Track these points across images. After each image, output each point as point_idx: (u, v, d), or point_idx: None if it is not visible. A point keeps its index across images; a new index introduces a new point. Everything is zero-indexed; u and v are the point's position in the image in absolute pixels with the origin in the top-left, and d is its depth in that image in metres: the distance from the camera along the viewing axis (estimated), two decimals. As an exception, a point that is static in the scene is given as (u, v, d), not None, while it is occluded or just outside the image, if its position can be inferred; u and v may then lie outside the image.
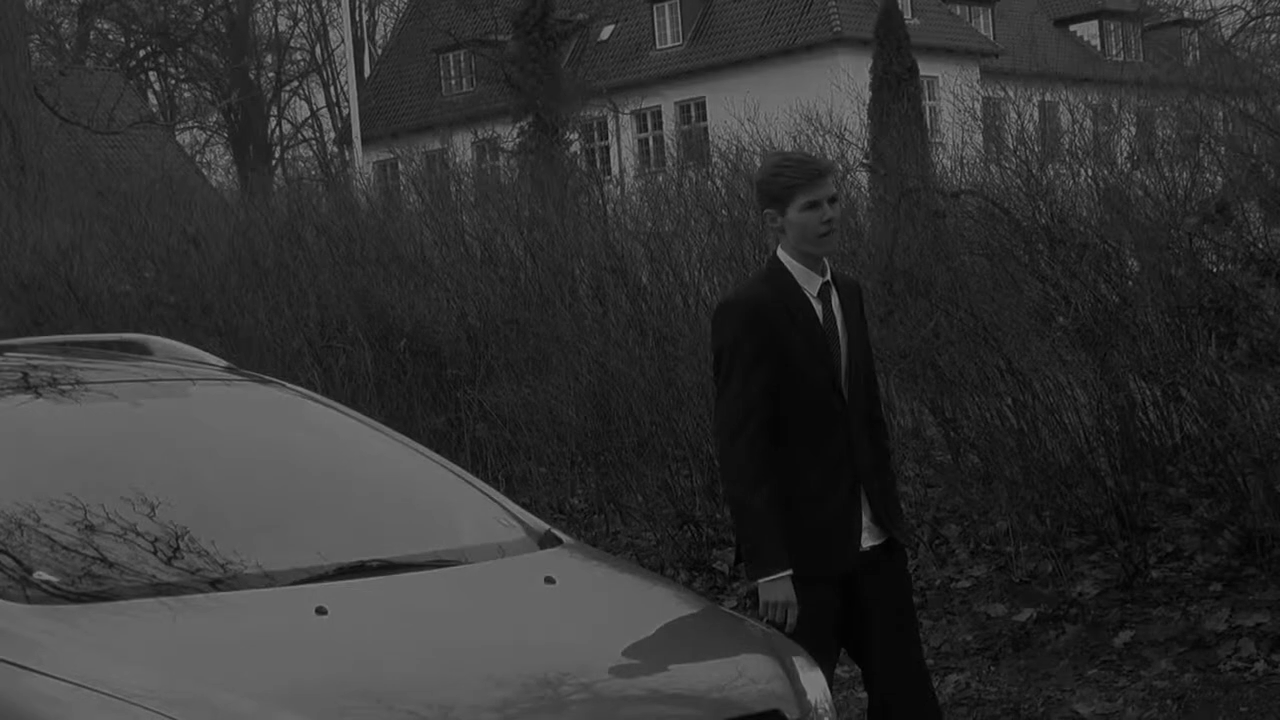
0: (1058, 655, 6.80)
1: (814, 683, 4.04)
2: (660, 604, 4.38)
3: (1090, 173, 8.33)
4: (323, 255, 11.32)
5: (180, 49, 54.07)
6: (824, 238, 4.63)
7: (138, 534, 4.01)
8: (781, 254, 4.70)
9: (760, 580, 4.56)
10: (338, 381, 10.08)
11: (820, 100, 15.25)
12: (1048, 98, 11.30)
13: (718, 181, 10.77)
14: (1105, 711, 6.22)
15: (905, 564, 4.88)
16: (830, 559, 4.63)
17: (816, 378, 4.62)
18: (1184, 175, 7.86)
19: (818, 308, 4.66)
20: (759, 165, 4.89)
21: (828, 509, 4.63)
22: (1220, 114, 8.19)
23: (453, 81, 47.64)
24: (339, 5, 39.13)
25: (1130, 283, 7.52)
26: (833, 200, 4.64)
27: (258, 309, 11.02)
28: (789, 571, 4.53)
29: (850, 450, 4.66)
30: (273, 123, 58.10)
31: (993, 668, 6.84)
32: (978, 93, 13.44)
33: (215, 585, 3.89)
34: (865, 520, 4.69)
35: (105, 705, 3.36)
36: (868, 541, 4.70)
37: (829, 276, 4.71)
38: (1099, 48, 49.82)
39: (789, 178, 4.64)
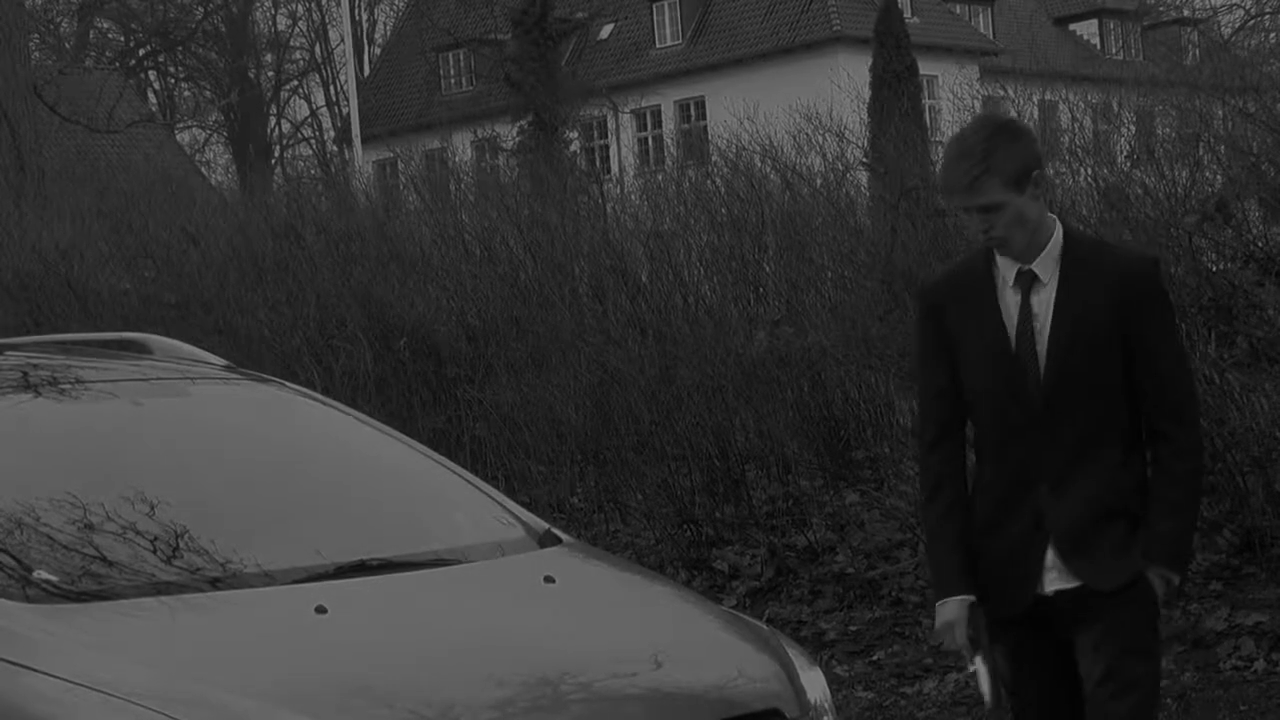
0: (1057, 654, 6.78)
1: (813, 682, 4.04)
2: (660, 603, 4.38)
3: (1090, 171, 8.33)
4: (322, 254, 11.32)
5: (180, 48, 54.03)
6: (986, 241, 3.96)
7: (137, 533, 4.01)
8: None
9: (937, 603, 4.04)
10: (337, 380, 10.07)
11: (820, 99, 15.25)
12: (1047, 96, 11.32)
13: (717, 180, 10.78)
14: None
15: (1128, 612, 3.92)
16: (996, 600, 3.98)
17: (984, 381, 3.95)
18: (1183, 174, 7.87)
19: (1014, 297, 3.93)
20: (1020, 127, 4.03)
21: (999, 541, 3.96)
22: (1220, 112, 8.21)
23: (452, 80, 47.61)
24: (338, 4, 39.12)
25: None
26: (988, 210, 3.88)
27: (257, 308, 11.01)
28: (960, 596, 3.95)
29: (1035, 473, 3.91)
30: (272, 122, 58.08)
31: (992, 666, 6.82)
32: (977, 91, 13.46)
33: (215, 584, 3.88)
34: (1051, 558, 3.91)
35: (105, 704, 3.36)
36: (1055, 584, 3.92)
37: (1041, 264, 3.93)
38: (1098, 46, 49.79)
39: (939, 179, 4.19)
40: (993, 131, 3.94)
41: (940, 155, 3.91)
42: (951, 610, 3.96)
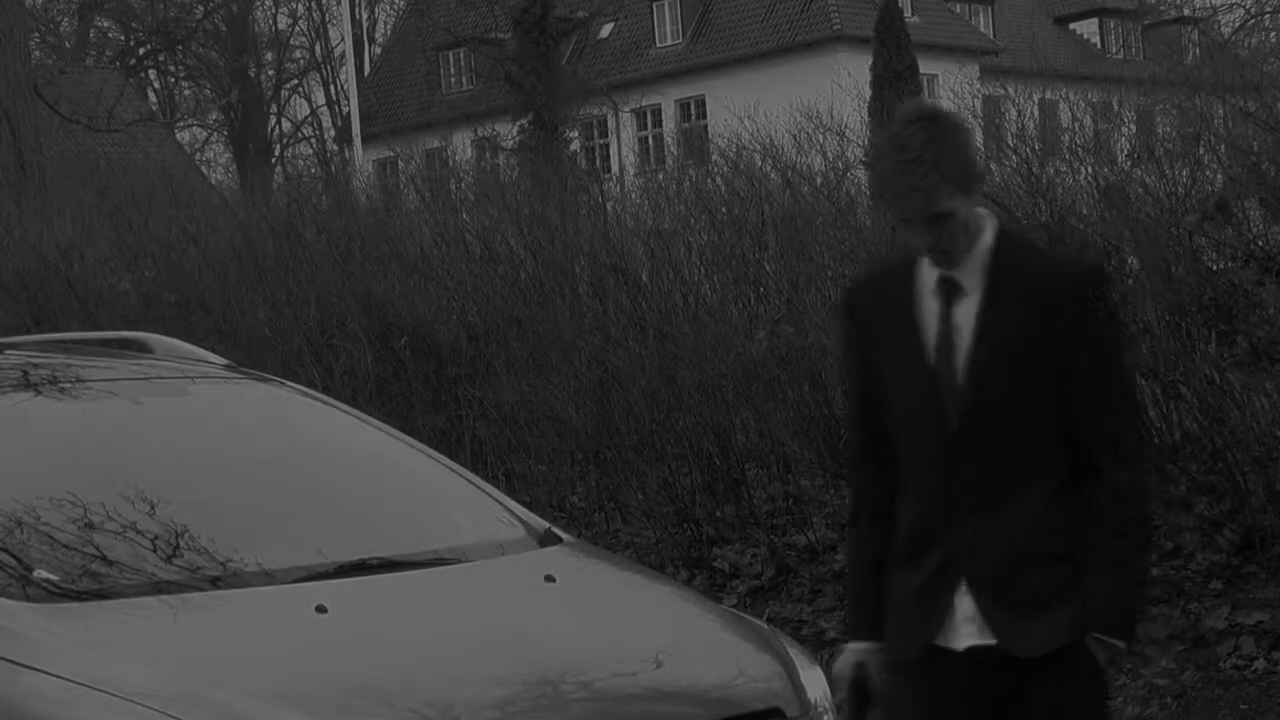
0: (1058, 653, 6.78)
1: (814, 681, 4.04)
2: (660, 602, 4.38)
3: (1090, 170, 8.32)
4: (323, 253, 11.31)
5: (180, 47, 54.02)
6: (936, 258, 3.45)
7: (138, 532, 4.01)
8: None
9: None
10: (338, 380, 10.07)
11: (820, 98, 15.25)
12: (1047, 95, 11.30)
13: (718, 180, 10.76)
14: (1105, 709, 6.21)
15: (1071, 687, 3.38)
16: (895, 644, 3.49)
17: (900, 398, 3.47)
18: (1184, 173, 7.86)
19: (933, 306, 3.44)
20: (952, 125, 3.42)
21: (910, 577, 3.45)
22: (1220, 111, 8.20)
23: (453, 79, 47.62)
24: (339, 3, 39.12)
25: (1130, 280, 7.52)
26: (940, 220, 3.37)
27: (257, 307, 11.01)
28: (858, 644, 3.54)
29: (949, 506, 3.39)
30: (272, 121, 58.08)
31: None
32: (977, 90, 13.44)
33: (215, 583, 3.89)
34: (966, 609, 3.37)
35: (106, 703, 3.36)
36: (968, 639, 3.37)
37: (965, 271, 3.43)
38: (1099, 45, 49.80)
39: (874, 185, 3.62)
40: (933, 129, 3.37)
41: (874, 162, 3.42)
42: (846, 659, 3.55)
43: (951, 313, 3.43)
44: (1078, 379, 3.38)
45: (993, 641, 3.35)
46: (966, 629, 3.37)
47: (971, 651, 3.36)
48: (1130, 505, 3.40)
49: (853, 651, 3.54)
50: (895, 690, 3.49)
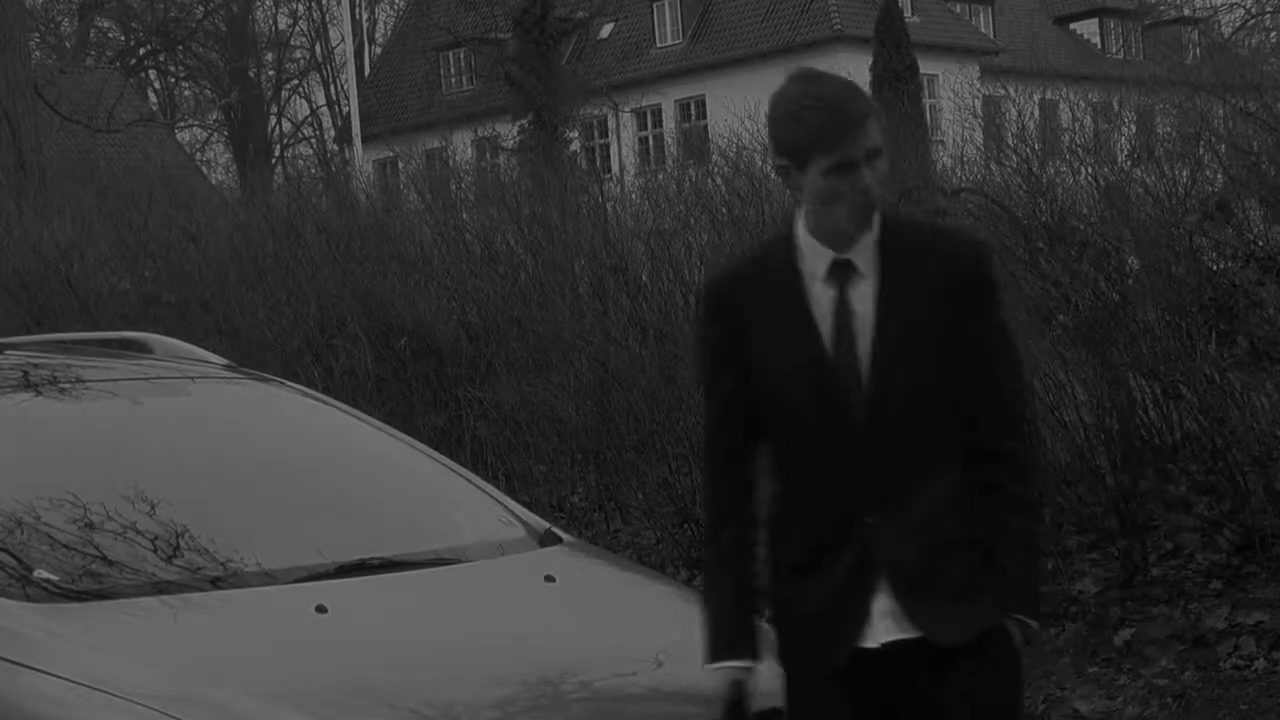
0: (1058, 653, 6.79)
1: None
2: (660, 602, 4.38)
3: (1090, 170, 8.32)
4: (323, 253, 11.31)
5: (180, 47, 54.04)
6: (857, 209, 3.22)
7: (138, 532, 4.01)
8: (797, 217, 3.34)
9: (707, 666, 3.34)
10: (338, 379, 10.07)
11: (820, 98, 15.20)
12: (1048, 95, 11.31)
13: (718, 180, 10.76)
14: (1105, 709, 6.22)
15: (986, 674, 3.29)
16: (809, 655, 3.30)
17: (796, 399, 3.25)
18: (1184, 173, 7.86)
19: (825, 294, 3.26)
20: (775, 96, 3.25)
21: (813, 588, 3.28)
22: (1220, 111, 8.20)
23: (453, 79, 47.63)
24: (339, 3, 39.11)
25: (1130, 280, 7.52)
26: (873, 156, 3.21)
27: (258, 307, 11.01)
28: (732, 663, 3.30)
29: (862, 505, 3.24)
30: (273, 121, 58.10)
31: (993, 666, 6.82)
32: (978, 90, 13.47)
33: (215, 584, 3.89)
34: (883, 604, 3.25)
35: (106, 704, 3.36)
36: (886, 635, 3.24)
37: (860, 251, 3.26)
38: (1099, 45, 49.82)
39: (811, 129, 3.19)
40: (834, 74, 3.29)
41: (804, 105, 3.19)
42: (725, 678, 3.31)
43: (848, 299, 3.24)
44: (978, 360, 3.28)
45: (912, 635, 3.23)
46: (883, 625, 3.24)
47: (887, 648, 3.24)
48: (1034, 484, 3.38)
49: (729, 671, 3.28)
50: (809, 703, 3.31)
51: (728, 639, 3.32)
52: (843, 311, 3.24)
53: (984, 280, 3.31)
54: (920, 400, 3.24)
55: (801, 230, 3.28)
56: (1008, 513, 3.30)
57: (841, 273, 3.25)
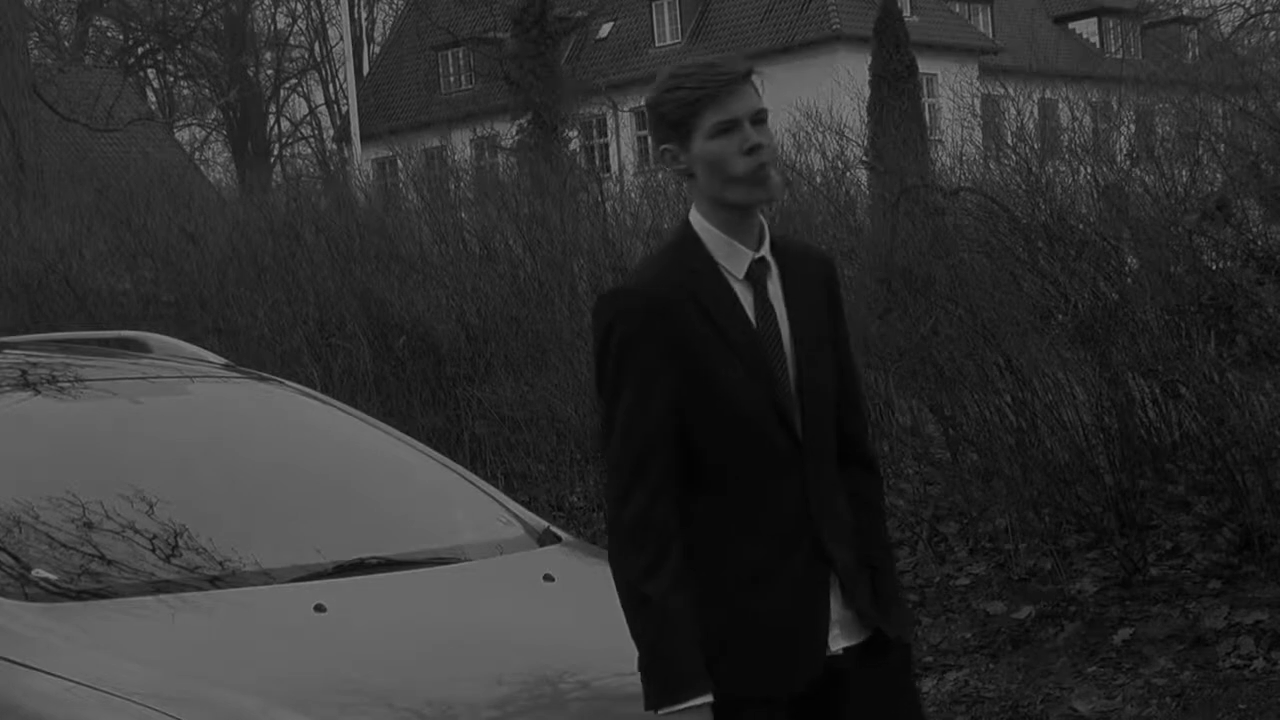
0: (1057, 653, 6.79)
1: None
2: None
3: (1089, 170, 8.32)
4: (321, 253, 11.32)
5: (179, 46, 54.04)
6: (754, 176, 3.09)
7: (136, 531, 4.01)
8: (695, 216, 3.17)
9: (663, 710, 3.03)
10: (336, 379, 10.07)
11: (819, 97, 15.25)
12: (1047, 95, 11.32)
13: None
14: (1104, 709, 6.22)
15: (906, 668, 3.34)
16: (778, 670, 3.11)
17: (746, 403, 3.10)
18: (1183, 173, 7.86)
19: (747, 297, 3.14)
20: (652, 84, 3.16)
21: (775, 595, 3.10)
22: (1220, 111, 8.20)
23: (451, 79, 47.64)
24: (338, 2, 39.11)
25: (1129, 280, 7.52)
26: (758, 119, 3.11)
27: (256, 306, 11.01)
28: (708, 698, 3.02)
29: (808, 508, 3.13)
30: (271, 120, 58.09)
31: (991, 665, 6.84)
32: (977, 90, 13.47)
33: (214, 583, 3.88)
34: (836, 609, 3.17)
35: (104, 703, 3.36)
36: (840, 641, 3.18)
37: (766, 248, 3.19)
38: (1098, 45, 49.83)
39: (691, 89, 3.08)
40: None
41: (679, 75, 3.12)
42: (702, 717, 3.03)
43: (767, 298, 3.16)
44: (844, 363, 3.27)
45: (863, 638, 3.20)
46: (833, 634, 3.17)
47: (846, 653, 3.18)
48: (882, 499, 3.38)
49: (699, 711, 3.02)
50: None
51: (693, 672, 3.02)
52: (765, 311, 3.15)
53: (838, 287, 3.31)
54: (830, 401, 3.21)
55: (706, 227, 3.15)
56: (883, 525, 3.33)
57: (759, 271, 3.16)
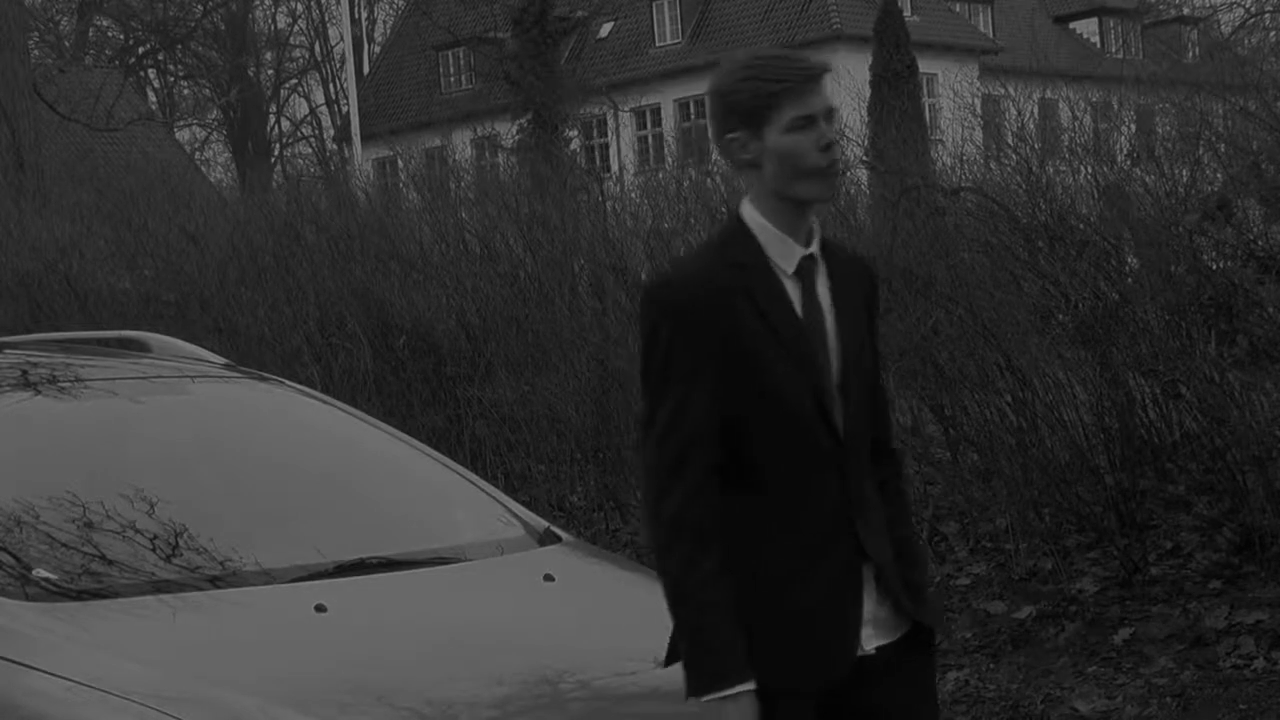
0: (1057, 652, 6.79)
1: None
2: (660, 602, 4.36)
3: (1090, 170, 8.32)
4: (322, 252, 11.32)
5: (179, 46, 54.05)
6: (825, 173, 3.10)
7: (137, 531, 4.01)
8: (748, 209, 3.16)
9: (706, 698, 3.03)
10: (337, 379, 10.07)
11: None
12: (1047, 95, 11.31)
13: (718, 179, 10.76)
14: (1104, 709, 6.22)
15: (931, 667, 3.33)
16: (812, 665, 3.12)
17: (792, 398, 3.10)
18: (1184, 172, 7.86)
19: (795, 292, 3.14)
20: (718, 69, 3.16)
21: (811, 591, 3.11)
22: (1220, 111, 8.20)
23: (452, 79, 47.63)
24: (338, 2, 39.12)
25: (1130, 280, 7.52)
26: (831, 116, 3.14)
27: (256, 306, 11.01)
28: (749, 685, 3.03)
29: (847, 504, 3.15)
30: (272, 120, 58.10)
31: (992, 665, 6.84)
32: (977, 90, 13.48)
33: (214, 583, 3.88)
34: (869, 608, 3.18)
35: (105, 703, 3.36)
36: (874, 640, 3.18)
37: (816, 246, 3.19)
38: (1099, 45, 49.82)
39: (769, 81, 3.07)
40: None
41: (758, 62, 3.11)
42: (747, 708, 3.02)
43: (815, 295, 3.16)
44: (878, 364, 3.33)
45: (896, 636, 3.20)
46: (866, 632, 3.17)
47: (879, 652, 3.19)
48: (907, 490, 3.41)
49: (743, 699, 3.02)
50: (806, 715, 3.13)
51: (734, 661, 3.02)
52: (813, 308, 3.15)
53: (878, 295, 3.35)
54: (869, 401, 3.23)
55: (760, 221, 3.14)
56: (907, 518, 3.35)
57: (809, 268, 3.16)
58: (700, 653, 3.05)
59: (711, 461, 3.08)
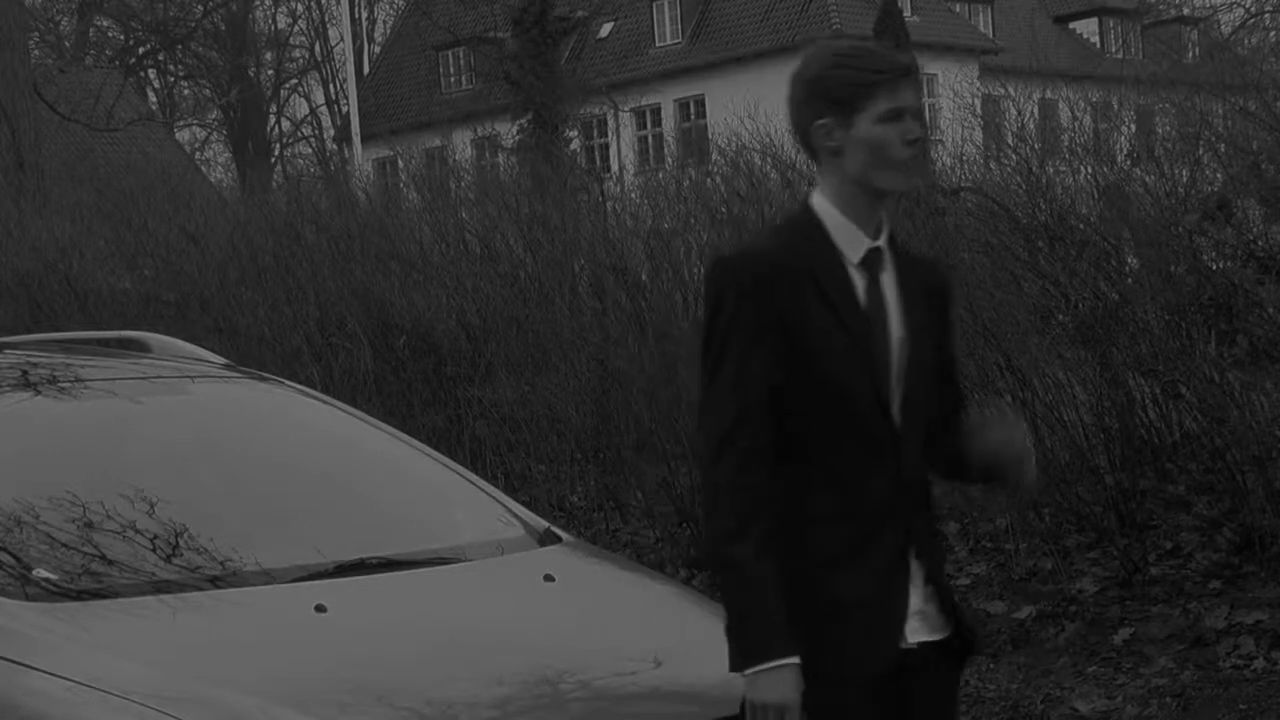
0: (1057, 652, 6.80)
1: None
2: (660, 602, 4.37)
3: (1090, 170, 8.32)
4: (322, 252, 11.32)
5: (179, 46, 54.04)
6: (907, 166, 3.13)
7: (137, 531, 4.01)
8: (819, 200, 3.19)
9: (749, 670, 3.04)
10: (337, 379, 10.07)
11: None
12: (1047, 95, 11.31)
13: (717, 179, 10.77)
14: (1104, 709, 6.22)
15: (958, 682, 3.34)
16: (859, 653, 3.12)
17: (849, 384, 3.13)
18: (1184, 173, 7.87)
19: (860, 282, 3.17)
20: (806, 57, 3.17)
21: (856, 580, 3.12)
22: (1220, 111, 8.20)
23: (452, 79, 47.62)
24: (338, 2, 39.11)
25: (1130, 280, 7.52)
26: (919, 113, 3.18)
27: (257, 306, 11.01)
28: (793, 659, 3.03)
29: (896, 496, 3.15)
30: (272, 120, 58.08)
31: (992, 665, 6.84)
32: (977, 90, 13.47)
33: (215, 583, 3.88)
34: (916, 601, 3.17)
35: (105, 703, 3.36)
36: (919, 634, 3.18)
37: (884, 240, 3.21)
38: (1099, 45, 49.81)
39: (867, 71, 3.11)
40: None
41: (856, 51, 3.16)
42: (785, 683, 3.01)
43: (880, 287, 3.18)
44: (947, 366, 3.32)
45: (937, 636, 3.20)
46: (911, 625, 3.16)
47: (922, 648, 3.18)
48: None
49: (785, 670, 3.01)
50: (840, 707, 3.11)
51: (778, 634, 3.02)
52: (875, 297, 3.17)
53: (953, 298, 3.37)
54: (927, 399, 3.23)
55: (830, 211, 3.17)
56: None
57: (875, 260, 3.19)
58: (742, 625, 3.05)
59: (764, 434, 3.09)
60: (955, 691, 3.32)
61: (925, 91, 32.54)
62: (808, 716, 3.06)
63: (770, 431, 3.10)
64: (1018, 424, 3.28)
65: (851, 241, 3.16)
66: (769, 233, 3.30)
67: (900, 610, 3.15)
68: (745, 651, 3.04)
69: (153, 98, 53.73)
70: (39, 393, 4.70)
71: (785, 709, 3.02)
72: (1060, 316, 7.42)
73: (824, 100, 3.12)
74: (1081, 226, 7.76)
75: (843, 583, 3.11)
